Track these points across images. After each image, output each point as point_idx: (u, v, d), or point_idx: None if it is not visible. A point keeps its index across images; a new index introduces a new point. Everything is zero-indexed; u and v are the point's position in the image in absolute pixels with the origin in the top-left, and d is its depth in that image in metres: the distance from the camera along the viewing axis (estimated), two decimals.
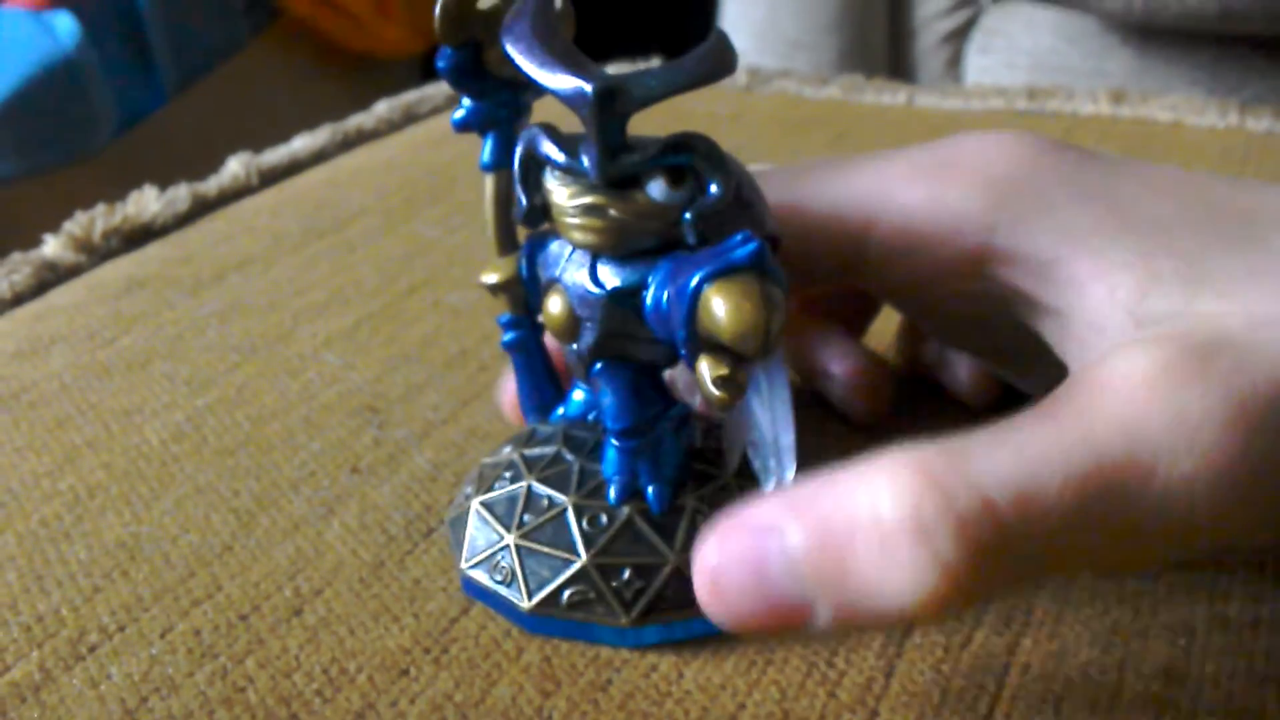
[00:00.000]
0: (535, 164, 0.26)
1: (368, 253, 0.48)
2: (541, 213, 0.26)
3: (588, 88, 0.24)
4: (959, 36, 1.12)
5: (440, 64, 0.27)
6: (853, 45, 1.13)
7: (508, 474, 0.29)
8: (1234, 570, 0.29)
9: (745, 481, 0.29)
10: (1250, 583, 0.29)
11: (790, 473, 0.27)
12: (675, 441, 0.28)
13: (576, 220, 0.25)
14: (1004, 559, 0.22)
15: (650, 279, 0.25)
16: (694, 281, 0.24)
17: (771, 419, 0.27)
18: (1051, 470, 0.22)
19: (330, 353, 0.40)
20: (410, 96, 0.67)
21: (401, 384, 0.38)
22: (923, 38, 1.14)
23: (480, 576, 0.28)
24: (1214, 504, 0.22)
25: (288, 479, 0.33)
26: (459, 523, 0.29)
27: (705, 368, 0.24)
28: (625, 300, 0.26)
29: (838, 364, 0.35)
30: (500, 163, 0.28)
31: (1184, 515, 0.22)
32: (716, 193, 0.25)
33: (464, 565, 0.29)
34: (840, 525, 0.22)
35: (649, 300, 0.25)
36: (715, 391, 0.24)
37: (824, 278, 0.32)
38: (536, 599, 0.27)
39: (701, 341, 0.24)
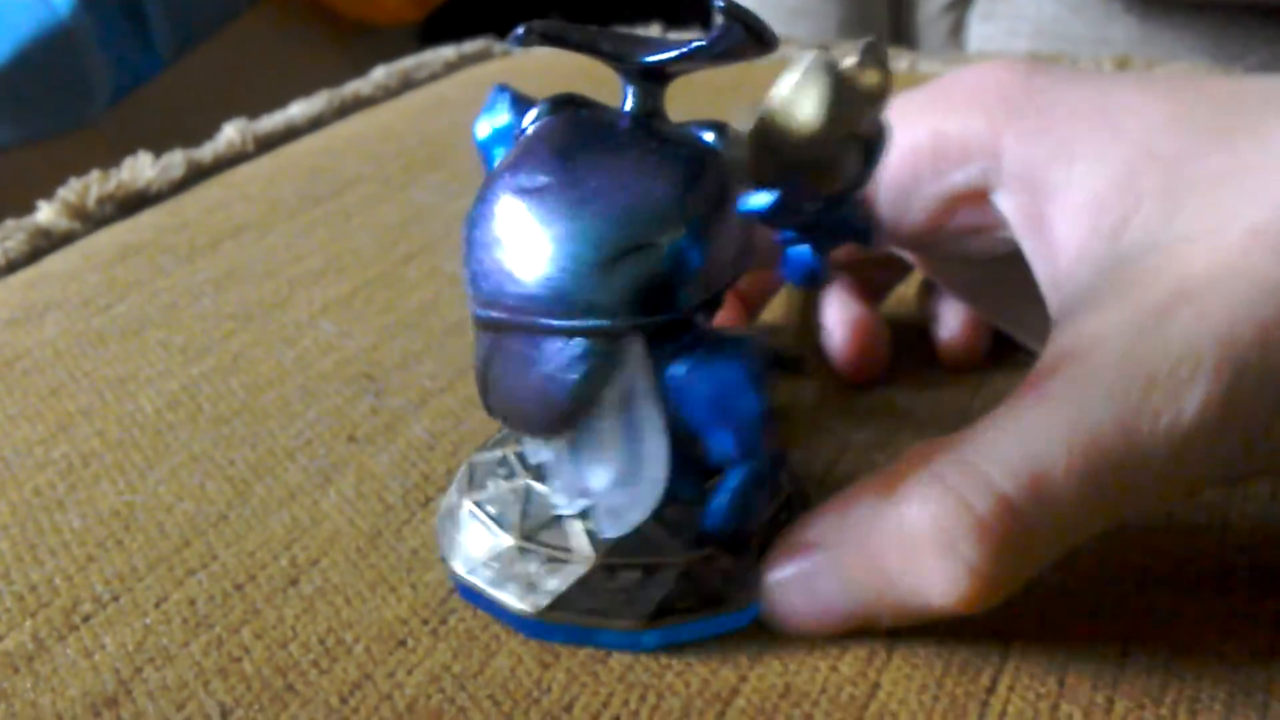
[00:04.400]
0: None
1: (365, 220, 0.48)
2: None
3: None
4: (962, 4, 1.11)
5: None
6: (855, 13, 1.12)
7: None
8: (1238, 550, 0.29)
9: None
10: (1256, 564, 0.28)
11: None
12: None
13: None
14: (1026, 545, 0.23)
15: None
16: None
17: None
18: (1054, 452, 0.23)
19: (327, 320, 0.40)
20: (407, 63, 0.67)
21: (399, 352, 0.38)
22: (925, 6, 1.13)
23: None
24: (1203, 449, 0.23)
25: (284, 448, 0.33)
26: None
27: None
28: None
29: (836, 319, 0.35)
30: None
31: (1175, 466, 0.23)
32: None
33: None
34: (875, 542, 0.24)
35: None
36: None
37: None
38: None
39: None
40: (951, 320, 0.35)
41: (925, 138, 0.29)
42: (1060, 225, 0.27)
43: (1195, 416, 0.23)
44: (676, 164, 0.24)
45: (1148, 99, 0.27)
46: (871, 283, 0.36)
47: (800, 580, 0.25)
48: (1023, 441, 0.23)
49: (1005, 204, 0.28)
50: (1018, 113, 0.28)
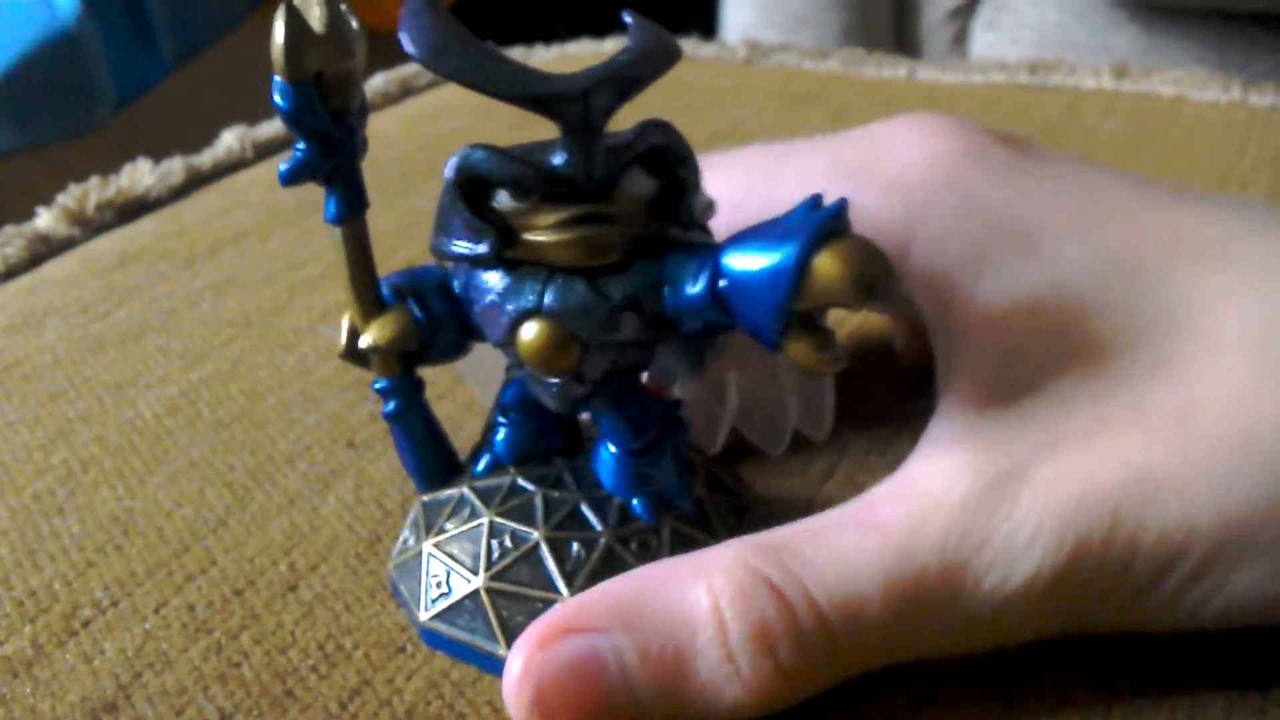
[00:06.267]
0: (481, 191, 0.24)
1: None
2: (506, 240, 0.24)
3: (572, 88, 0.23)
4: (965, 12, 1.11)
5: (281, 104, 0.24)
6: (858, 20, 1.12)
7: (463, 511, 0.27)
8: None
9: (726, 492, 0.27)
10: None
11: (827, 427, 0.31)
12: (675, 442, 0.27)
13: (566, 236, 0.23)
14: (834, 661, 0.23)
15: (664, 277, 0.24)
16: (795, 254, 0.22)
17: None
18: (874, 582, 0.23)
19: (326, 326, 0.40)
20: (407, 70, 0.67)
21: None
22: (929, 13, 1.13)
23: (445, 627, 0.26)
24: (1025, 613, 0.23)
25: (283, 453, 0.33)
26: (408, 570, 0.27)
27: (805, 344, 0.23)
28: (639, 308, 0.24)
29: None
30: (353, 210, 0.25)
31: (992, 623, 0.23)
32: (695, 178, 0.24)
33: (424, 616, 0.26)
34: (678, 628, 0.23)
35: (676, 296, 0.24)
36: (825, 358, 0.23)
37: None
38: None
39: (794, 314, 0.22)
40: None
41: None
42: (957, 332, 0.26)
43: (1022, 585, 0.23)
44: None
45: (1072, 225, 0.26)
46: None
47: (572, 664, 0.23)
48: (846, 566, 0.23)
49: (913, 291, 0.27)
50: (935, 210, 0.27)
